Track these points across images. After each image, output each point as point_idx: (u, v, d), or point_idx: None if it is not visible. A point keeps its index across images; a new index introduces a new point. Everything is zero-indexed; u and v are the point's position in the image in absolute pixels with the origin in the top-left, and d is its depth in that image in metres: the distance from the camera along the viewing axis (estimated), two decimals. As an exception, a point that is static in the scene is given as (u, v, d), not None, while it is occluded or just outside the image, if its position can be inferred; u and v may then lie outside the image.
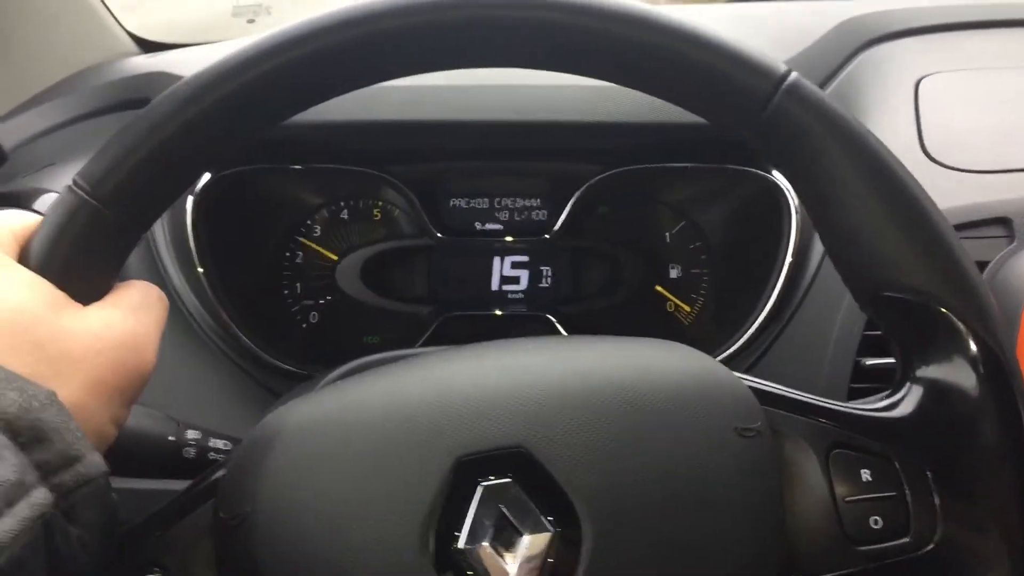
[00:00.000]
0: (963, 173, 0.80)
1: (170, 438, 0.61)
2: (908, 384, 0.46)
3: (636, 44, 0.43)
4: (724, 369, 0.46)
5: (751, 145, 0.45)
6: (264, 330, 0.82)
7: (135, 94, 0.91)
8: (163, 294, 0.47)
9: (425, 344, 0.85)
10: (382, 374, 0.47)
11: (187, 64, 0.94)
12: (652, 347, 0.47)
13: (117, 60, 1.06)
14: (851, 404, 0.47)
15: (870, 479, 0.44)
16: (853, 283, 0.46)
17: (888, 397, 0.47)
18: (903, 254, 0.43)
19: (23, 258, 0.42)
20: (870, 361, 0.72)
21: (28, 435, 0.35)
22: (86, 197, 0.42)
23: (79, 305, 0.42)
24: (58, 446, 0.36)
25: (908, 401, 0.45)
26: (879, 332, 0.73)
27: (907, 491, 0.44)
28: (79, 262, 0.43)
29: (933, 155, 0.82)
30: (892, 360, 0.71)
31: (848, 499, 0.44)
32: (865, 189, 0.43)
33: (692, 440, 0.42)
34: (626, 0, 0.43)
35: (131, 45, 1.14)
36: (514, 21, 0.43)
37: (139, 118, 0.42)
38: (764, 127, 0.44)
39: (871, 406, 0.46)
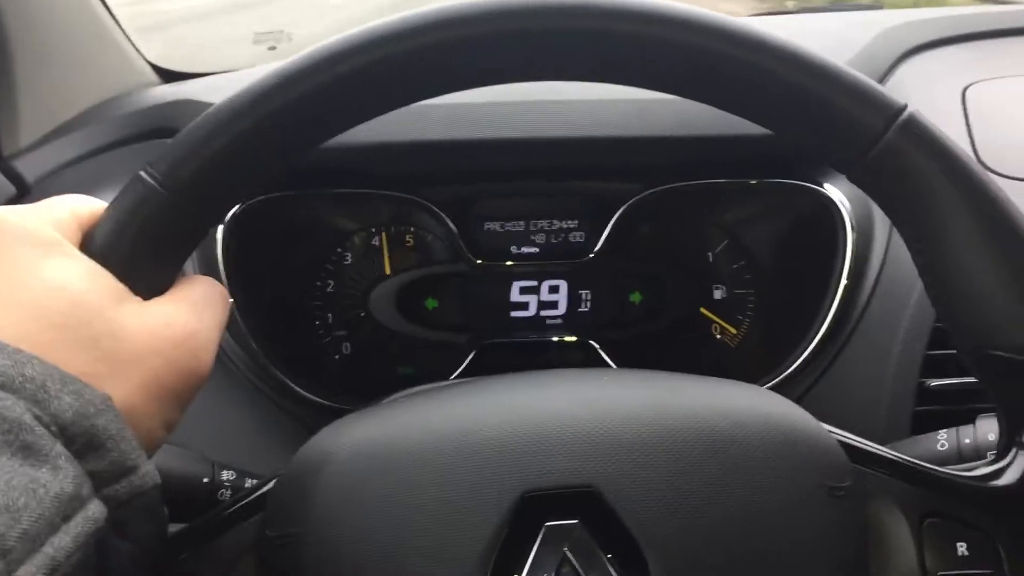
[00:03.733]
0: (1022, 182, 0.77)
1: (205, 480, 0.59)
2: (1014, 450, 0.43)
3: (740, 64, 0.40)
4: (813, 421, 0.43)
5: (854, 183, 0.42)
6: (296, 362, 0.80)
7: (160, 123, 0.90)
8: (225, 291, 0.45)
9: (463, 373, 0.82)
10: (444, 398, 0.45)
11: (212, 91, 0.92)
12: (738, 390, 0.45)
13: (140, 90, 1.05)
14: (950, 469, 0.44)
15: (966, 553, 0.41)
16: (959, 337, 0.43)
17: (991, 464, 0.44)
18: (1015, 312, 0.40)
19: (85, 245, 0.40)
20: (936, 382, 0.69)
21: (82, 442, 0.33)
22: (156, 186, 0.40)
23: (140, 299, 0.40)
24: (113, 455, 0.34)
25: (1013, 469, 0.42)
26: (945, 352, 0.70)
27: (1006, 569, 0.41)
28: (144, 254, 0.41)
29: (989, 165, 0.79)
30: (962, 380, 0.68)
31: (941, 574, 0.41)
32: (980, 239, 0.40)
33: (777, 495, 0.40)
34: (727, 17, 0.40)
35: (153, 75, 1.13)
36: (620, 35, 0.40)
37: (217, 109, 0.41)
38: (873, 164, 0.41)
39: (972, 473, 0.44)
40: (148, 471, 0.36)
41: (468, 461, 0.39)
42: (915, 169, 0.40)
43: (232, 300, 0.75)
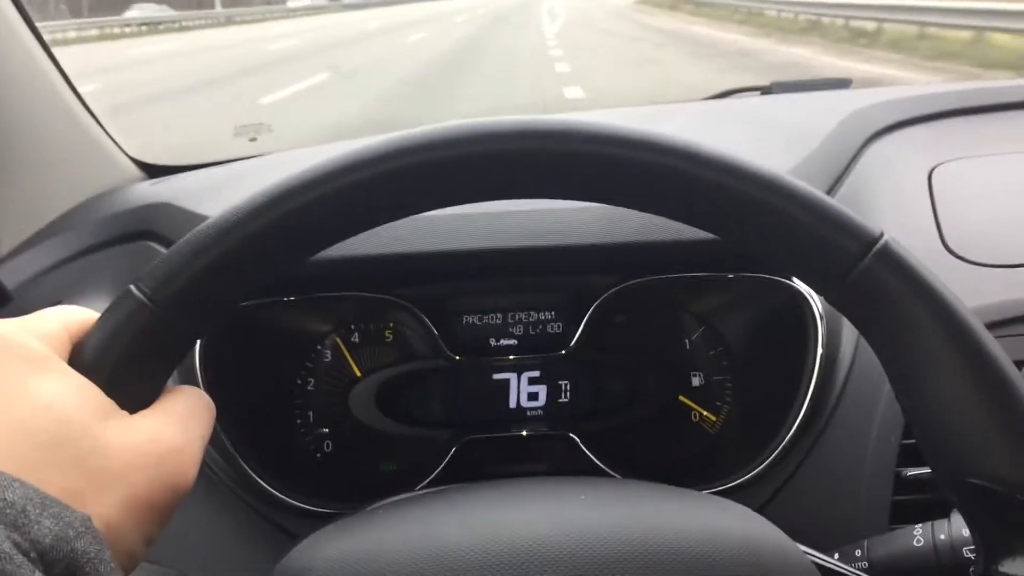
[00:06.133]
0: (988, 268, 0.78)
1: (182, 599, 0.58)
2: None
3: (724, 191, 0.41)
4: (789, 541, 0.43)
5: (834, 306, 0.43)
6: (275, 464, 0.79)
7: (140, 226, 0.90)
8: (211, 401, 0.45)
9: (445, 469, 0.81)
10: (422, 512, 0.45)
11: (190, 193, 0.93)
12: (713, 510, 0.45)
13: (122, 187, 1.06)
14: None
15: None
16: (935, 463, 0.43)
17: None
18: (992, 441, 0.40)
19: (74, 358, 0.41)
20: (912, 472, 0.69)
21: (61, 567, 0.33)
22: (145, 300, 0.41)
23: (125, 414, 0.40)
24: None
25: None
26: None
27: None
28: (132, 367, 0.41)
29: (955, 250, 0.80)
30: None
31: None
32: (954, 366, 0.40)
33: None
34: (717, 148, 0.42)
35: (135, 170, 1.14)
36: (593, 158, 0.42)
37: (208, 226, 0.42)
38: (850, 289, 0.42)
39: None
40: None
41: None
42: (890, 296, 0.41)
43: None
